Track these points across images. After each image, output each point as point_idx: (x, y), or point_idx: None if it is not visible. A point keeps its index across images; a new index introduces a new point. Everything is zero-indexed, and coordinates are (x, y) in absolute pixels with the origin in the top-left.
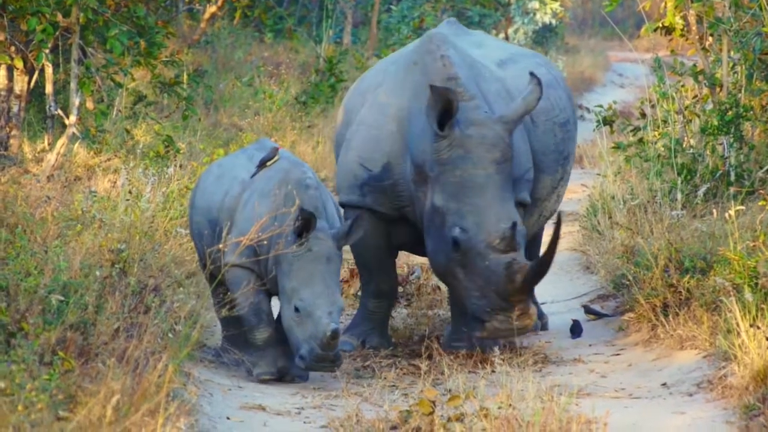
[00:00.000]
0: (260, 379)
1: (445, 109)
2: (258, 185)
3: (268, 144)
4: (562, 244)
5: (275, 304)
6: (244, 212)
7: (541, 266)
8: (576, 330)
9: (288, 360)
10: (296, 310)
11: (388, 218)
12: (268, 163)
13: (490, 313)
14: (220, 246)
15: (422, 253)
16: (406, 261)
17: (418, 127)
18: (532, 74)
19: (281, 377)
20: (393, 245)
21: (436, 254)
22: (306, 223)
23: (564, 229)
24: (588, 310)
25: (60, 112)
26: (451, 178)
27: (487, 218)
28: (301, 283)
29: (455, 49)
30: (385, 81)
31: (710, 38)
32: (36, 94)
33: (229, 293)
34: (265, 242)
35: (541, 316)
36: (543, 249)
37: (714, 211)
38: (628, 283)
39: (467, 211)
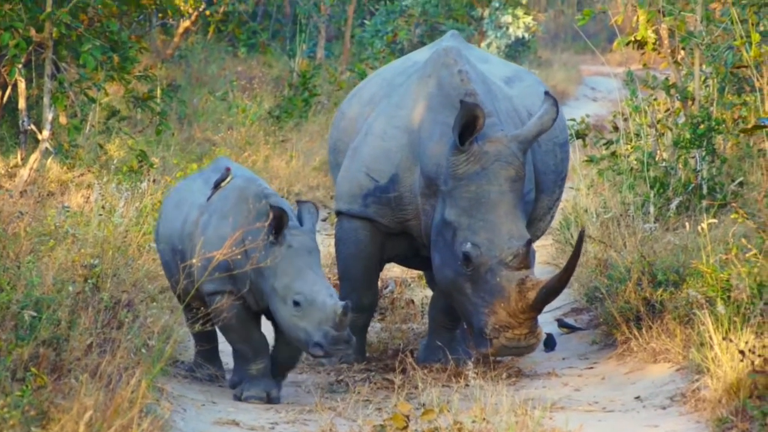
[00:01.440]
0: (248, 401)
1: (469, 124)
2: (215, 206)
3: (225, 163)
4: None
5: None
6: (205, 235)
7: (557, 284)
8: (549, 343)
9: (276, 387)
10: (296, 304)
11: (388, 231)
12: (222, 184)
13: (498, 331)
14: (194, 261)
15: (414, 266)
16: (381, 275)
17: (431, 140)
18: (547, 93)
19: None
20: (385, 258)
21: (443, 268)
22: (279, 220)
23: (537, 242)
24: (561, 324)
25: (33, 127)
26: (465, 193)
27: (500, 235)
28: (292, 278)
29: (470, 65)
30: (393, 92)
31: (682, 52)
32: (9, 109)
33: (202, 309)
34: (240, 257)
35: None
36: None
37: (686, 224)
38: (601, 296)
39: (480, 226)
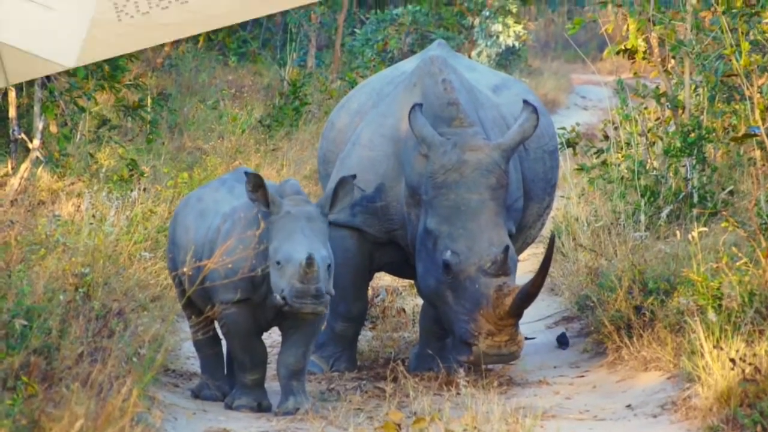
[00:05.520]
0: (239, 410)
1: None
2: (238, 215)
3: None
4: (526, 267)
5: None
6: (226, 242)
7: (531, 289)
8: (563, 341)
9: (268, 398)
10: (278, 264)
11: (376, 240)
12: None
13: (478, 338)
14: (206, 263)
15: (404, 275)
16: (371, 284)
17: (415, 149)
18: (526, 102)
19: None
20: (374, 267)
21: (426, 277)
22: (256, 184)
23: (528, 251)
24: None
25: (23, 136)
26: (444, 201)
27: (479, 242)
28: (281, 240)
29: (455, 74)
30: (381, 102)
31: (672, 61)
32: None
33: (215, 324)
34: (254, 262)
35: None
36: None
37: (677, 232)
38: (592, 304)
39: (459, 234)
